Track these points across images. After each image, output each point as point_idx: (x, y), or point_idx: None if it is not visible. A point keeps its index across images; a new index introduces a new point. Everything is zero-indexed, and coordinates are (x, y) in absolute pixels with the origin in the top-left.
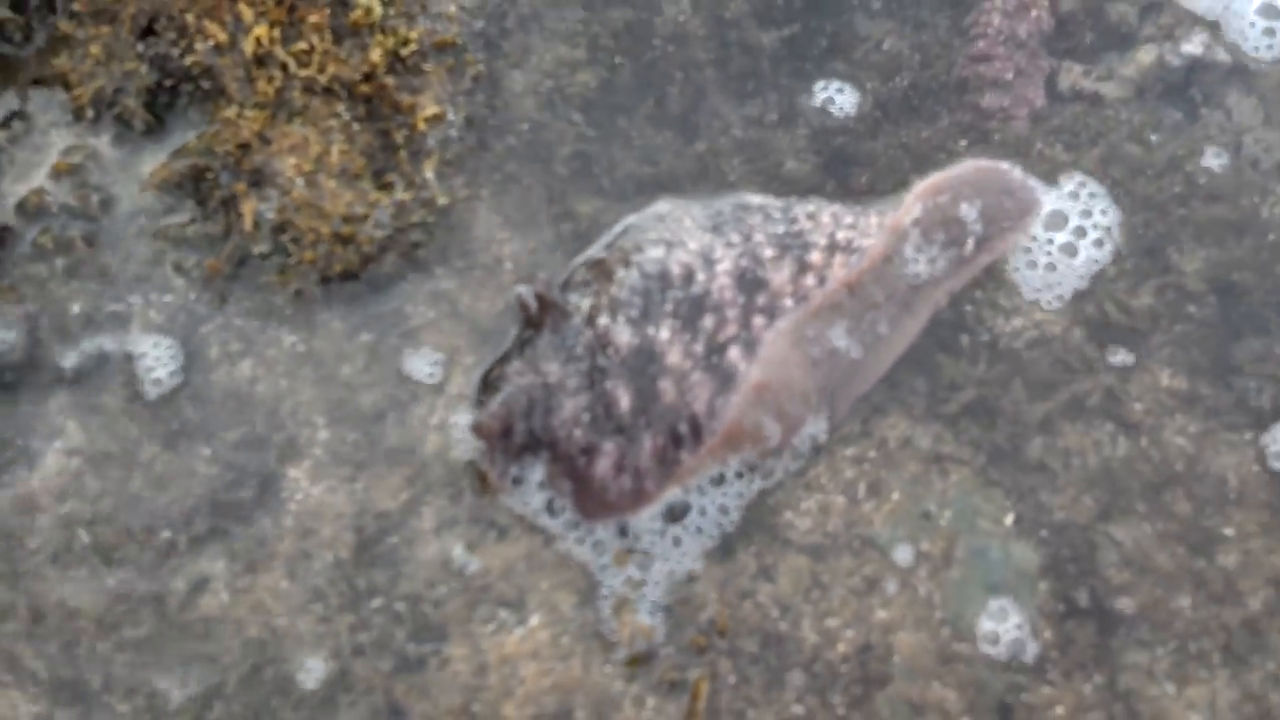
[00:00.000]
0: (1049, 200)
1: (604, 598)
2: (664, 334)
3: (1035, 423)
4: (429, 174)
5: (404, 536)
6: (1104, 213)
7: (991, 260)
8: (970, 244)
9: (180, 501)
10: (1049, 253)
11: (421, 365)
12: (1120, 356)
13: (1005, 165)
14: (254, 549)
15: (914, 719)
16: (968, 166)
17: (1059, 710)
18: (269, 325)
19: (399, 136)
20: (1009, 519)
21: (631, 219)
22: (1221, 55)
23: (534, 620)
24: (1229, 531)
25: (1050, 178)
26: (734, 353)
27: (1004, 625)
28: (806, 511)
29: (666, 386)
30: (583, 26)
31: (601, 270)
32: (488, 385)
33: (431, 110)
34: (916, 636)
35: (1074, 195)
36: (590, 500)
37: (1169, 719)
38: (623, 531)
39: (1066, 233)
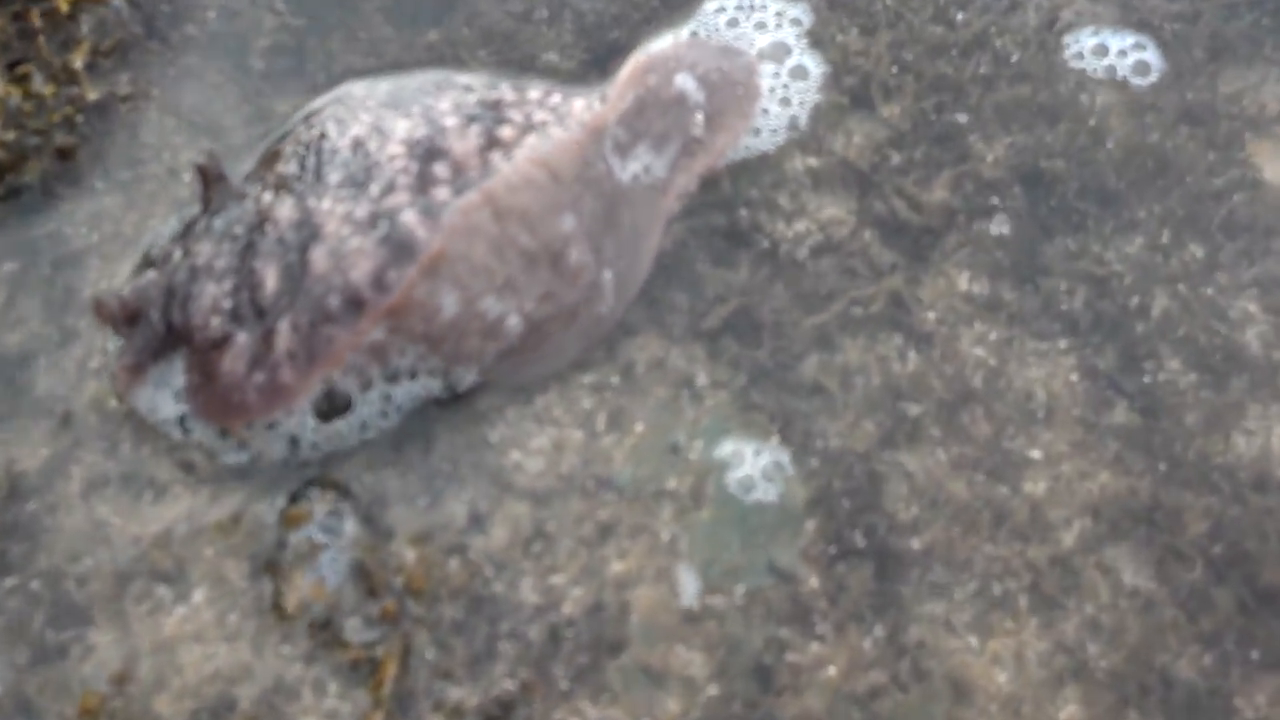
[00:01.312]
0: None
1: (279, 564)
2: (325, 204)
3: (808, 337)
4: (78, 65)
5: (46, 502)
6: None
7: (730, 140)
8: (699, 120)
9: None
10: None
11: (79, 298)
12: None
13: (703, 35)
14: None
15: (653, 690)
16: (667, 43)
17: (831, 671)
18: None
19: (37, 20)
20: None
21: (314, 104)
22: None
23: (198, 596)
24: (1036, 454)
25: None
26: (409, 218)
27: (747, 468)
28: (538, 450)
29: (319, 256)
30: None
31: (274, 155)
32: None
33: None
34: (657, 591)
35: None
36: (216, 400)
37: (969, 676)
38: (288, 457)
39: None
